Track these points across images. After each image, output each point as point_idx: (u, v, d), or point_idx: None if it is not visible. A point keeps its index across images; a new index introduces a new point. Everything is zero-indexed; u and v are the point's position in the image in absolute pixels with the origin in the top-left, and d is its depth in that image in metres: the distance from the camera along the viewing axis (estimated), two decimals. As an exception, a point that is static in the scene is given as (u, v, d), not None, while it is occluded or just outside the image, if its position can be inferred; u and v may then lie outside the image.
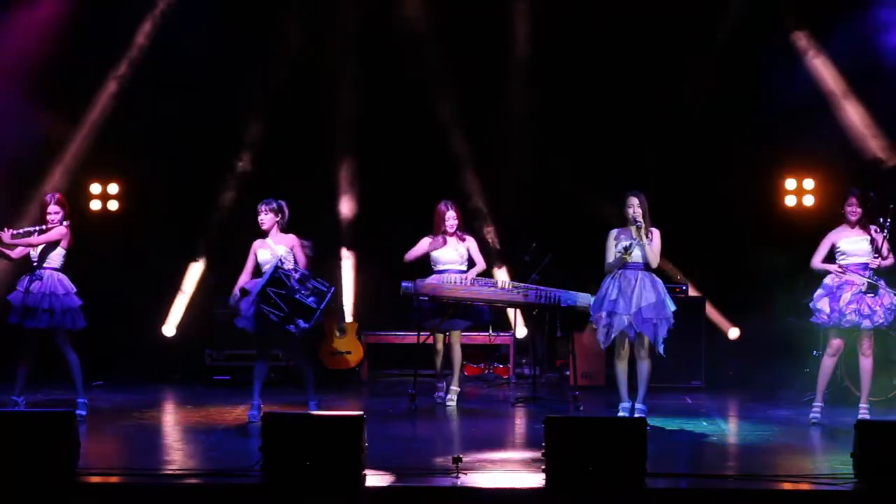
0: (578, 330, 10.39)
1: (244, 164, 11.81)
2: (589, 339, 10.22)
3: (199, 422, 9.08)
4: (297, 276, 8.88)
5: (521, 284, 9.70)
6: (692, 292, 11.38)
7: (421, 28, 11.58)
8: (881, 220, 8.66)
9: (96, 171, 12.00)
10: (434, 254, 9.85)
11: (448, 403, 9.84)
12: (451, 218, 9.87)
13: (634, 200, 8.82)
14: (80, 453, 6.88)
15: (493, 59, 11.68)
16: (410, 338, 10.89)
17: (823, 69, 11.34)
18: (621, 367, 8.87)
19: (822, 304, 8.82)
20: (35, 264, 8.90)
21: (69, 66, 11.24)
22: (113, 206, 12.13)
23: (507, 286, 9.69)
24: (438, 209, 9.89)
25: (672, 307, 8.81)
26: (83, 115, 11.57)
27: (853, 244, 8.79)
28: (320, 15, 11.72)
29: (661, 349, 8.78)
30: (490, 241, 11.81)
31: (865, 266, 8.72)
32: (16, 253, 8.93)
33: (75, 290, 8.96)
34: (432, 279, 9.66)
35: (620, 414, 8.81)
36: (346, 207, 11.99)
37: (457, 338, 9.89)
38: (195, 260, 11.93)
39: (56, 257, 8.92)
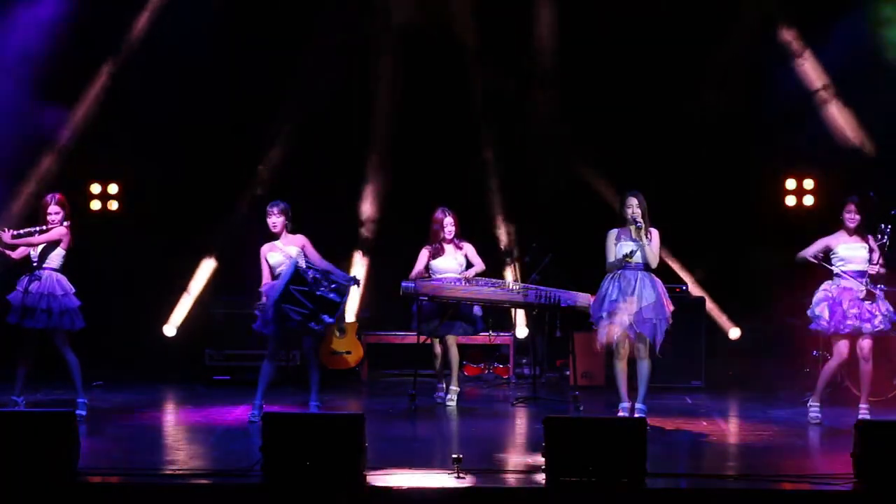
0: (578, 330, 10.39)
1: (262, 169, 11.77)
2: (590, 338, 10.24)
3: (199, 422, 9.08)
4: (316, 273, 8.88)
5: (522, 284, 9.72)
6: (693, 292, 11.39)
7: (450, 32, 11.58)
8: (882, 226, 8.69)
9: (96, 171, 12.00)
10: (433, 263, 9.85)
11: (448, 403, 9.84)
12: (449, 224, 9.86)
13: (634, 200, 8.82)
14: (80, 453, 6.88)
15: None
16: (410, 338, 10.89)
17: (818, 68, 11.35)
18: (621, 367, 8.87)
19: (821, 310, 8.83)
20: (35, 264, 8.90)
21: (68, 65, 11.24)
22: (113, 206, 12.13)
23: (509, 287, 9.68)
24: (436, 217, 9.88)
25: (671, 307, 8.82)
26: (83, 113, 11.57)
27: (851, 251, 8.81)
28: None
29: (658, 349, 8.79)
30: (504, 242, 11.80)
31: (863, 273, 8.74)
32: (17, 253, 8.93)
33: (74, 290, 8.96)
34: (431, 281, 9.66)
35: (620, 414, 8.81)
36: (367, 209, 11.95)
37: (453, 340, 9.89)
38: (202, 260, 11.91)
39: (55, 258, 8.92)
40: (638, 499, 6.60)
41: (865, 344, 8.77)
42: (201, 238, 11.83)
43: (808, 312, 8.94)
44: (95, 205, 12.05)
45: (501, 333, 11.77)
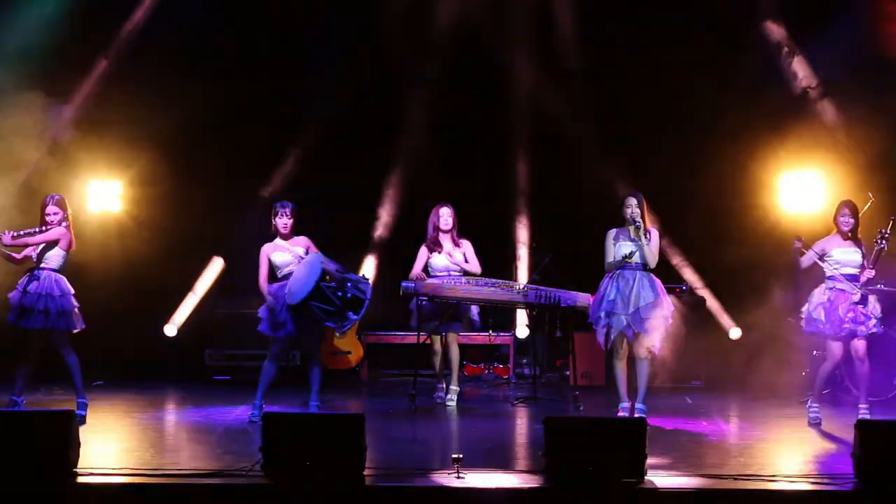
0: (578, 330, 10.39)
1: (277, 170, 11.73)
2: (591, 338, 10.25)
3: (199, 422, 9.08)
4: (338, 270, 8.84)
5: (524, 284, 9.73)
6: (694, 291, 11.40)
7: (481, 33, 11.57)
8: (882, 231, 8.72)
9: (96, 171, 11.99)
10: (431, 261, 9.86)
11: (448, 403, 9.85)
12: (445, 215, 9.86)
13: (633, 200, 8.84)
14: (80, 453, 6.89)
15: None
16: (410, 338, 10.89)
17: (816, 66, 11.36)
18: (620, 367, 8.88)
19: (818, 313, 8.84)
20: (35, 264, 8.91)
21: (68, 63, 11.25)
22: (113, 206, 12.11)
23: (512, 287, 9.67)
24: (434, 210, 9.89)
25: (670, 307, 8.82)
26: (81, 111, 11.57)
27: (845, 254, 8.85)
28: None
29: (658, 349, 8.79)
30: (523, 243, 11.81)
31: (856, 277, 8.77)
32: (20, 255, 8.93)
33: (73, 291, 8.94)
34: (432, 280, 9.66)
35: (620, 414, 8.81)
36: (386, 213, 11.94)
37: (453, 338, 9.90)
38: (209, 260, 11.89)
39: (54, 258, 8.91)
40: (638, 499, 6.60)
41: (860, 345, 8.80)
42: (201, 238, 11.81)
43: (803, 315, 8.97)
44: (95, 205, 12.04)
45: (501, 333, 11.78)
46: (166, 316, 11.77)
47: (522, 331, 11.80)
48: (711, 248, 11.49)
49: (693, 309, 10.96)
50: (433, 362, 10.16)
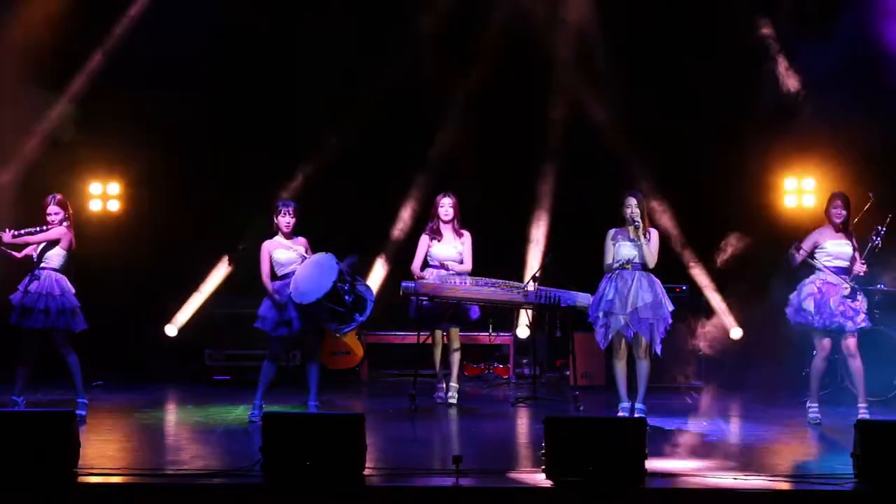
0: (578, 330, 10.39)
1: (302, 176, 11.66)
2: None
3: (199, 422, 9.08)
4: (348, 269, 8.84)
5: (521, 284, 9.71)
6: (693, 291, 11.39)
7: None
8: (878, 227, 8.73)
9: (96, 171, 11.99)
10: (432, 251, 9.85)
11: (450, 401, 9.84)
12: (445, 205, 9.84)
13: (632, 200, 8.83)
14: (80, 453, 6.88)
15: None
16: (410, 338, 10.88)
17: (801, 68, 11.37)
18: (620, 367, 8.88)
19: (807, 304, 8.84)
20: (36, 264, 8.92)
21: (68, 62, 11.24)
22: (113, 206, 12.12)
23: (511, 287, 9.67)
24: (436, 199, 9.88)
25: (670, 307, 8.82)
26: (80, 110, 11.57)
27: (837, 247, 8.85)
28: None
29: (657, 349, 8.79)
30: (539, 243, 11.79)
31: (846, 270, 8.78)
32: (20, 253, 8.94)
33: (73, 291, 8.95)
34: (432, 279, 9.65)
35: (620, 414, 8.81)
36: (404, 215, 11.88)
37: (454, 336, 9.90)
38: (209, 260, 11.88)
39: (55, 257, 8.92)
40: (638, 499, 6.60)
41: (851, 342, 8.79)
42: (201, 238, 11.80)
43: (792, 304, 8.95)
44: (95, 205, 12.04)
45: (501, 333, 11.77)
46: (167, 316, 11.77)
47: (523, 331, 11.79)
48: (711, 248, 11.51)
49: (693, 309, 10.95)
50: (433, 354, 10.11)
